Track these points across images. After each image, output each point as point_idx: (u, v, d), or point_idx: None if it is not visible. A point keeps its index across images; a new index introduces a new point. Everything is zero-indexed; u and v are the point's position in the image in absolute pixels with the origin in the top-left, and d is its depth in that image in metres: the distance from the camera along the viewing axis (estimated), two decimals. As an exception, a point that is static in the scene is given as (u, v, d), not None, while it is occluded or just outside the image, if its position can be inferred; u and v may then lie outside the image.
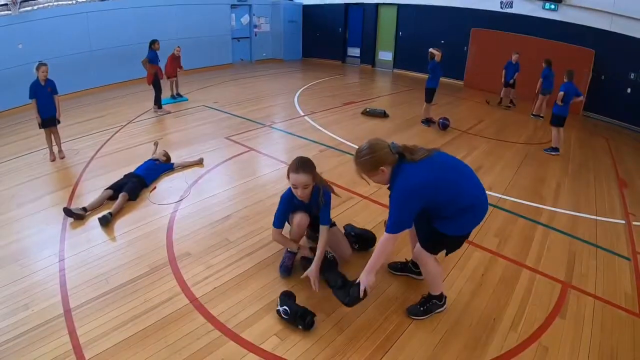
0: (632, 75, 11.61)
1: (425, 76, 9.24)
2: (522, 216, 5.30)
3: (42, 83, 6.17)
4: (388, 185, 2.91)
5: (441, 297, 3.42)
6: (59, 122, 6.56)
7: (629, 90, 11.72)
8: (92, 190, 5.33)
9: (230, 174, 6.03)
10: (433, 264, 3.24)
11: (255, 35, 17.11)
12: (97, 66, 10.94)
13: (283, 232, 3.87)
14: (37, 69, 6.13)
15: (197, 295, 3.44)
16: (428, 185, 2.73)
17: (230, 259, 3.96)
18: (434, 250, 3.18)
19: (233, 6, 15.99)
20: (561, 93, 7.75)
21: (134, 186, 5.19)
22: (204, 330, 3.09)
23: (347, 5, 17.55)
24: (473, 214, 2.97)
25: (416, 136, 8.42)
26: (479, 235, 4.67)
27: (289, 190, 3.64)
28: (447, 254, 3.25)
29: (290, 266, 3.85)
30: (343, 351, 3.00)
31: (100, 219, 4.52)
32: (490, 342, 3.19)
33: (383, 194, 5.41)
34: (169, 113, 9.33)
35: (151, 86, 9.17)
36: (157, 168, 5.88)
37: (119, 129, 7.95)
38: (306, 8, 18.56)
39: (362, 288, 3.00)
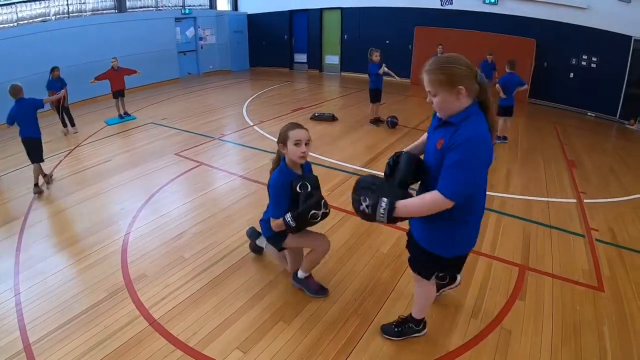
0: (574, 61, 12.23)
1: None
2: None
3: None
4: (439, 122, 2.40)
5: (420, 323, 3.18)
6: None
7: (571, 74, 12.41)
8: (44, 219, 5.29)
9: (181, 191, 6.04)
10: (427, 287, 2.97)
11: (202, 47, 17.05)
12: (42, 91, 10.66)
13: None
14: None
15: (156, 317, 3.46)
16: (490, 143, 2.26)
17: (186, 276, 3.99)
18: (426, 274, 2.83)
19: (177, 19, 15.90)
20: (498, 86, 8.07)
21: (30, 151, 6.09)
22: (166, 351, 3.11)
23: (291, 12, 17.70)
24: (476, 226, 2.62)
25: (366, 135, 8.65)
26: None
27: (278, 174, 3.28)
28: (437, 278, 2.97)
29: (319, 285, 3.79)
30: (307, 357, 3.07)
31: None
32: (453, 332, 3.30)
33: (335, 197, 5.58)
34: (76, 133, 9.25)
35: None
36: (26, 111, 6.13)
37: (68, 153, 7.83)
38: (251, 17, 18.61)
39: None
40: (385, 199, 2.33)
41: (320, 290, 3.74)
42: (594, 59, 12.11)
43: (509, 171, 6.83)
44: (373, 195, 2.37)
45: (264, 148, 7.71)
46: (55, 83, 9.04)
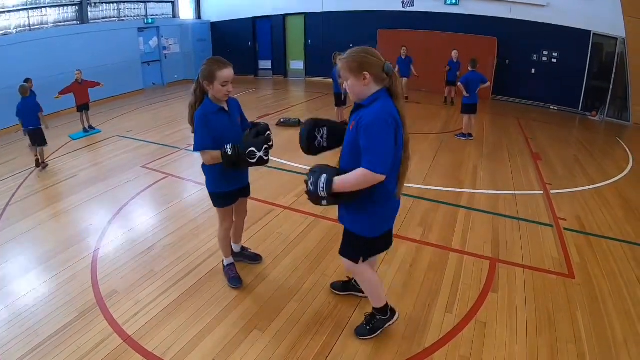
0: (535, 57, 12.59)
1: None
2: (443, 202, 5.67)
3: None
4: (353, 105, 2.68)
5: (386, 310, 3.22)
6: None
7: (533, 70, 12.77)
8: (11, 239, 5.18)
9: (149, 204, 6.03)
10: (364, 272, 3.08)
11: (165, 57, 16.93)
12: (1, 107, 10.46)
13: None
14: None
15: (129, 333, 3.45)
16: (398, 121, 2.53)
17: (158, 290, 3.99)
18: (353, 255, 2.99)
19: (140, 29, 15.77)
20: (460, 85, 8.27)
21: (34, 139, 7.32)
22: (141, 367, 3.11)
23: (254, 18, 17.72)
24: (388, 208, 2.86)
25: None
26: (402, 227, 4.98)
27: (204, 107, 3.31)
28: (364, 260, 3.01)
29: (237, 275, 4.01)
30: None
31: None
32: (428, 328, 3.38)
33: (303, 203, 5.63)
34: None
35: None
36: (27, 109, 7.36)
37: (32, 171, 7.71)
38: (214, 25, 18.61)
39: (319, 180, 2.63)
40: (324, 175, 2.60)
41: (233, 280, 3.99)
42: (554, 54, 12.58)
43: (475, 167, 7.01)
44: (315, 175, 2.65)
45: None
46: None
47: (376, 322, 3.27)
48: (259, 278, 4.12)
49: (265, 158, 3.24)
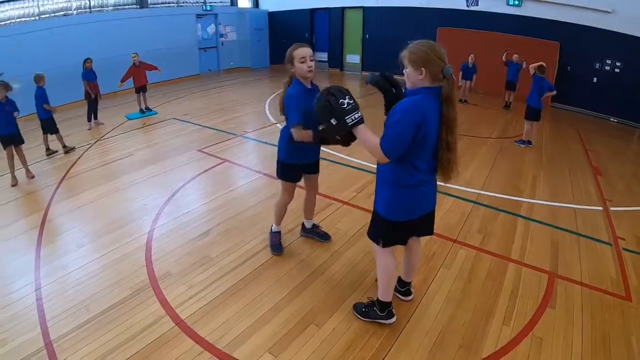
0: (598, 65, 11.95)
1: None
2: (502, 210, 5.38)
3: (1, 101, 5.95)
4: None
5: (384, 307, 3.23)
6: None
7: (595, 79, 12.10)
8: (65, 212, 5.19)
9: (205, 188, 5.91)
10: (383, 258, 3.05)
11: (222, 44, 16.95)
12: (62, 83, 10.65)
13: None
14: None
15: (182, 317, 3.33)
16: (426, 117, 2.49)
17: (212, 276, 3.85)
18: (374, 236, 3.03)
19: (199, 16, 15.83)
20: (553, 92, 8.07)
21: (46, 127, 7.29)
22: (193, 353, 2.98)
23: (312, 10, 17.55)
24: (412, 196, 2.80)
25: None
26: (462, 232, 4.73)
27: (293, 86, 3.52)
28: (383, 245, 2.97)
29: (280, 243, 4.24)
30: (341, 361, 2.94)
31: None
32: (485, 339, 3.20)
33: (363, 198, 5.41)
34: (102, 124, 9.37)
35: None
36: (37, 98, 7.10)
37: (88, 147, 7.75)
38: (272, 15, 18.50)
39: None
40: (359, 112, 2.62)
41: (275, 247, 4.23)
42: (618, 63, 11.77)
43: (534, 177, 6.63)
44: (355, 102, 2.64)
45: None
46: (90, 74, 9.11)
47: (371, 311, 3.30)
48: (317, 272, 3.94)
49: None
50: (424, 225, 3.03)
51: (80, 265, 4.06)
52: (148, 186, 5.96)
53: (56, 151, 7.47)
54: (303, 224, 4.55)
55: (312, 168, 4.00)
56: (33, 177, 6.31)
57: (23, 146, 6.35)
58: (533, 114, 8.10)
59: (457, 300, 3.62)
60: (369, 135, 2.61)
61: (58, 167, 6.78)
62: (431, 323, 3.34)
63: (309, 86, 3.55)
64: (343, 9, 16.87)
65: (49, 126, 7.39)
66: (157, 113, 10.31)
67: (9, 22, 10.80)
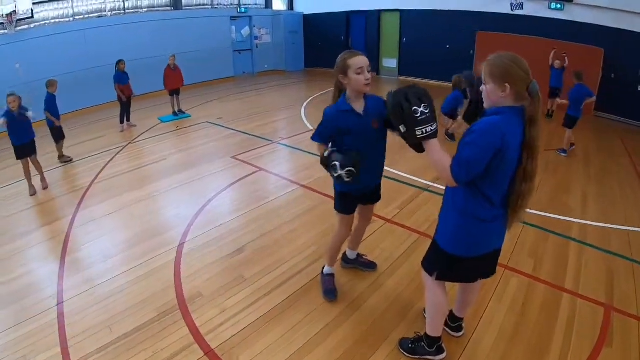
0: None
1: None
2: (553, 232, 4.92)
3: (14, 112, 5.70)
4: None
5: (433, 343, 2.91)
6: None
7: (639, 87, 11.52)
8: (92, 220, 4.97)
9: (239, 199, 5.61)
10: (434, 291, 2.74)
11: (257, 47, 16.78)
12: (96, 84, 10.62)
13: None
14: (7, 99, 5.69)
15: (213, 346, 3.03)
16: (506, 142, 2.17)
17: (247, 299, 3.53)
18: (429, 267, 2.71)
19: (233, 18, 15.70)
20: (593, 98, 7.72)
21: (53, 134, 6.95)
22: (222, 390, 2.66)
23: (348, 13, 17.23)
24: (481, 230, 2.46)
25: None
26: (513, 257, 4.30)
27: (333, 106, 3.09)
28: (437, 278, 2.68)
29: (334, 287, 3.63)
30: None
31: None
32: None
33: (406, 216, 5.05)
34: (135, 126, 9.20)
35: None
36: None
37: (120, 150, 7.57)
38: (307, 17, 18.25)
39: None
40: (436, 124, 2.33)
41: (328, 292, 3.62)
42: None
43: (584, 194, 6.12)
44: (432, 112, 2.32)
45: (327, 155, 7.20)
46: (123, 75, 8.95)
47: (419, 347, 2.99)
48: (359, 300, 3.58)
49: (346, 180, 2.86)
50: (488, 264, 2.67)
51: (106, 279, 3.82)
52: (179, 195, 5.70)
53: (71, 159, 7.24)
54: (345, 254, 4.01)
55: (372, 196, 3.46)
56: (47, 187, 6.06)
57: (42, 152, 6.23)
58: (573, 122, 7.85)
59: (510, 336, 3.25)
60: (440, 153, 2.31)
61: (88, 171, 6.61)
62: (485, 358, 3.03)
63: (358, 104, 3.02)
64: (379, 12, 16.50)
65: (53, 133, 7.10)
66: (190, 116, 10.12)
67: (44, 23, 10.77)
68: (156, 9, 13.78)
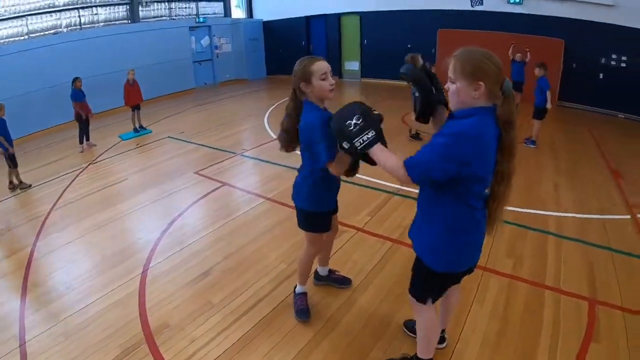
0: (603, 60, 11.77)
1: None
2: (529, 228, 4.94)
3: None
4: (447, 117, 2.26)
5: None
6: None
7: (601, 75, 11.93)
8: (55, 249, 4.77)
9: (204, 217, 5.45)
10: (427, 316, 2.58)
11: (217, 56, 16.57)
12: (52, 104, 10.29)
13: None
14: None
15: (182, 383, 2.88)
16: (482, 149, 2.04)
17: (217, 327, 3.39)
18: (422, 295, 2.51)
19: (192, 28, 15.47)
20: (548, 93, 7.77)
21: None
22: None
23: (308, 18, 17.20)
24: (475, 238, 2.33)
25: (402, 149, 7.97)
26: (490, 258, 4.26)
27: (314, 112, 2.78)
28: (433, 301, 2.52)
29: (306, 307, 3.47)
30: None
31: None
32: None
33: (378, 223, 5.00)
34: (95, 146, 8.91)
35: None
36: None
37: (80, 172, 7.33)
38: (267, 24, 18.11)
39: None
40: (373, 131, 2.25)
41: (301, 312, 3.46)
42: (623, 58, 11.58)
43: (556, 185, 6.21)
44: (366, 121, 2.26)
45: (292, 164, 7.04)
46: (80, 93, 8.63)
47: None
48: (334, 319, 3.47)
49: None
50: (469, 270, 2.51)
51: (70, 314, 3.62)
52: (142, 217, 5.53)
53: (29, 185, 6.86)
54: (316, 272, 3.86)
55: (336, 205, 3.34)
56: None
57: None
58: (541, 113, 8.00)
59: (494, 343, 3.18)
60: (386, 155, 2.23)
61: (47, 196, 6.35)
62: None
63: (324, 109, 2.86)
64: (339, 15, 16.54)
65: (7, 160, 6.64)
66: (151, 132, 9.88)
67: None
68: (113, 22, 13.54)
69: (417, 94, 2.51)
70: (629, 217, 5.30)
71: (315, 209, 3.10)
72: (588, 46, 11.87)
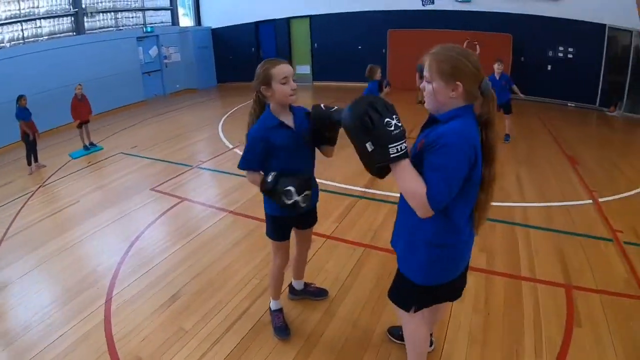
0: (551, 53, 12.30)
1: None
2: (498, 220, 5.00)
3: None
4: (426, 121, 2.12)
5: None
6: None
7: (549, 67, 12.62)
8: (10, 283, 4.40)
9: (166, 237, 5.19)
10: (412, 325, 2.48)
11: (166, 66, 16.19)
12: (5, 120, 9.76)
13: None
14: None
15: None
16: (478, 150, 1.95)
17: (193, 355, 3.18)
18: (402, 303, 2.41)
19: (139, 38, 15.03)
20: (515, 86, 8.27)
21: None
22: None
23: (257, 23, 17.07)
24: (461, 250, 2.28)
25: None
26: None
27: (258, 123, 2.78)
28: (416, 310, 2.39)
29: (284, 324, 3.35)
30: None
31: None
32: None
33: (347, 229, 4.95)
34: (44, 166, 8.48)
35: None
36: None
37: (31, 196, 6.95)
38: (215, 32, 17.86)
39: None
40: (406, 142, 1.89)
41: (280, 330, 3.34)
42: (570, 49, 12.36)
43: (517, 177, 6.39)
44: (403, 128, 1.90)
45: (251, 174, 6.91)
46: (25, 112, 8.21)
47: None
48: (315, 333, 3.35)
49: (302, 205, 2.62)
50: (461, 280, 2.45)
51: (32, 355, 3.30)
52: (101, 239, 5.23)
53: None
54: (291, 286, 3.76)
55: (309, 218, 3.22)
56: None
57: None
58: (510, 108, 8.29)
59: (481, 339, 3.19)
60: (415, 176, 1.90)
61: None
62: None
63: (286, 117, 2.80)
64: (289, 19, 16.51)
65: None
66: (102, 148, 9.48)
67: None
68: (58, 35, 13.02)
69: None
70: (590, 201, 5.56)
71: (273, 212, 3.02)
72: (535, 40, 12.50)
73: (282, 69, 2.66)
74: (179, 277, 4.25)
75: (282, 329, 3.32)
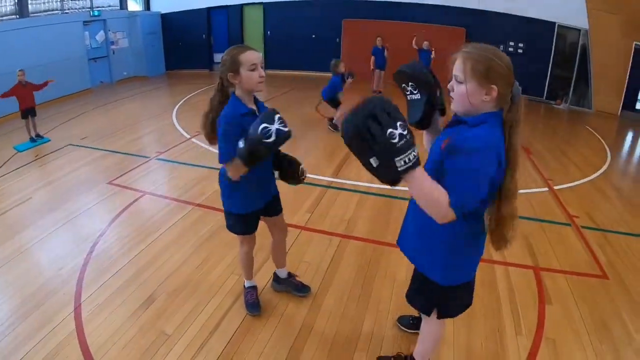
0: (502, 47, 12.48)
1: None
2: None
3: None
4: (451, 121, 2.04)
5: None
6: None
7: None
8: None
9: (131, 234, 4.85)
10: (436, 326, 2.48)
11: (113, 52, 15.36)
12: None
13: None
14: None
15: None
16: (502, 157, 1.88)
17: (182, 359, 2.98)
18: (426, 308, 2.38)
19: (86, 23, 14.11)
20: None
21: None
22: None
23: (209, 9, 16.61)
24: (479, 244, 2.24)
25: (321, 141, 8.29)
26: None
27: (230, 109, 2.71)
28: (440, 317, 2.37)
29: (256, 300, 3.46)
30: None
31: None
32: (508, 357, 3.07)
33: (319, 219, 4.96)
34: None
35: None
36: None
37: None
38: (165, 17, 17.11)
39: None
40: (415, 149, 1.65)
41: (251, 306, 3.45)
42: (520, 45, 13.12)
43: None
44: (410, 132, 1.65)
45: (214, 165, 6.60)
46: None
47: None
48: (305, 328, 3.29)
49: (285, 129, 2.45)
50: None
51: None
52: (58, 240, 4.77)
53: None
54: (275, 275, 3.72)
55: (273, 208, 3.23)
56: None
57: None
58: None
59: (467, 323, 3.35)
60: (432, 185, 1.76)
61: None
62: (450, 350, 3.10)
63: (252, 104, 2.80)
64: (242, 6, 16.23)
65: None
66: (50, 140, 8.85)
67: None
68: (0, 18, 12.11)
69: (414, 96, 2.22)
70: (547, 189, 6.07)
71: (238, 210, 3.04)
72: (488, 34, 12.73)
73: (250, 55, 2.64)
74: (151, 277, 3.99)
75: (254, 304, 3.43)
